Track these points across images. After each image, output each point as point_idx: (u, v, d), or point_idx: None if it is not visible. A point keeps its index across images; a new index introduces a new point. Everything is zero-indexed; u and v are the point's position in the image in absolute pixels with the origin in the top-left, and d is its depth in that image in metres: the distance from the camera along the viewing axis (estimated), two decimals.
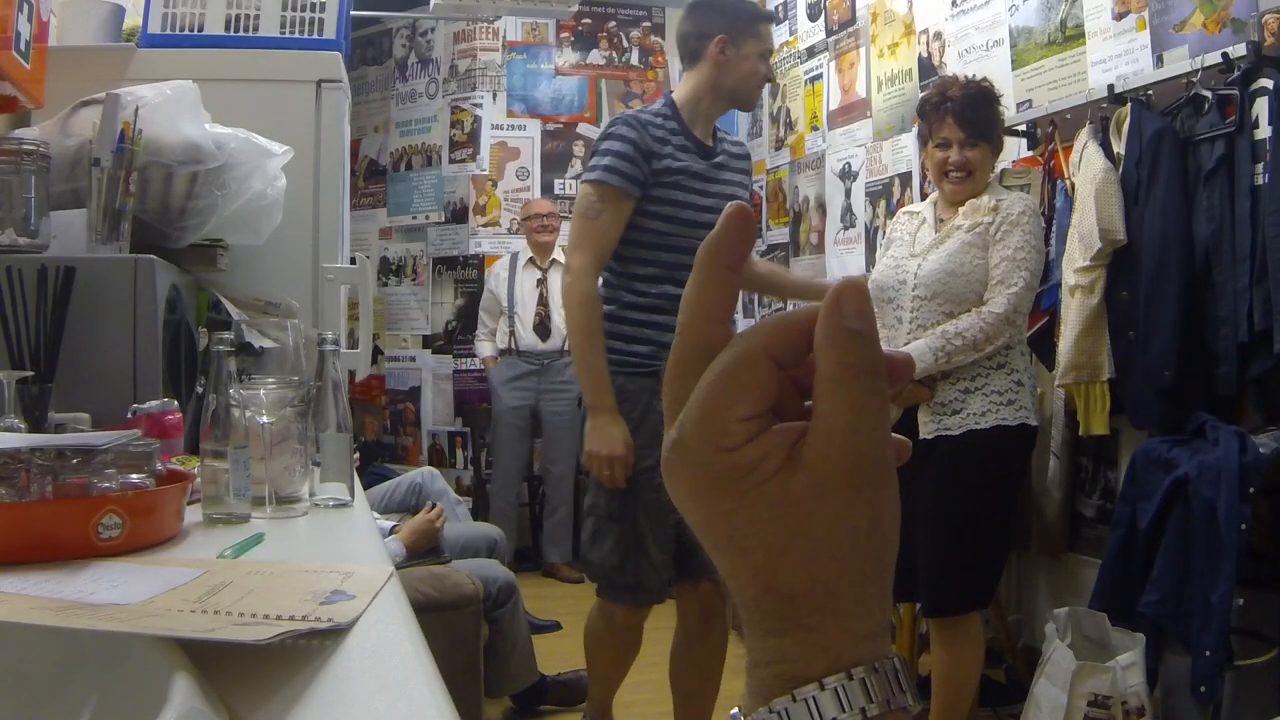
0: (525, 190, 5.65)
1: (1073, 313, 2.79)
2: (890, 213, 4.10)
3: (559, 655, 3.24)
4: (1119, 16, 3.05)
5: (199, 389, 1.64)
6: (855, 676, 0.35)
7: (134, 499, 1.03)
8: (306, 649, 0.70)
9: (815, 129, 4.88)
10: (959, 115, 2.43)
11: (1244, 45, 2.47)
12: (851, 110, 4.57)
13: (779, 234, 5.18)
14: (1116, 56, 3.05)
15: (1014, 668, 3.05)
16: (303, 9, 2.20)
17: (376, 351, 5.40)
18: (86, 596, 0.80)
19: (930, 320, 2.40)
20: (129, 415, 1.36)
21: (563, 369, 4.94)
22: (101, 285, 1.44)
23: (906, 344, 2.39)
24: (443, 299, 5.69)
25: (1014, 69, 3.50)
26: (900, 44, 4.22)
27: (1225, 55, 2.51)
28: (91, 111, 1.66)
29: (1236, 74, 2.47)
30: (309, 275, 2.14)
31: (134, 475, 1.10)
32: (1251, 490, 2.26)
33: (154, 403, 1.39)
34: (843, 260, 4.62)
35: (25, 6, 1.61)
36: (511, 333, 5.05)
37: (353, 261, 2.30)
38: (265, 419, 1.30)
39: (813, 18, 4.90)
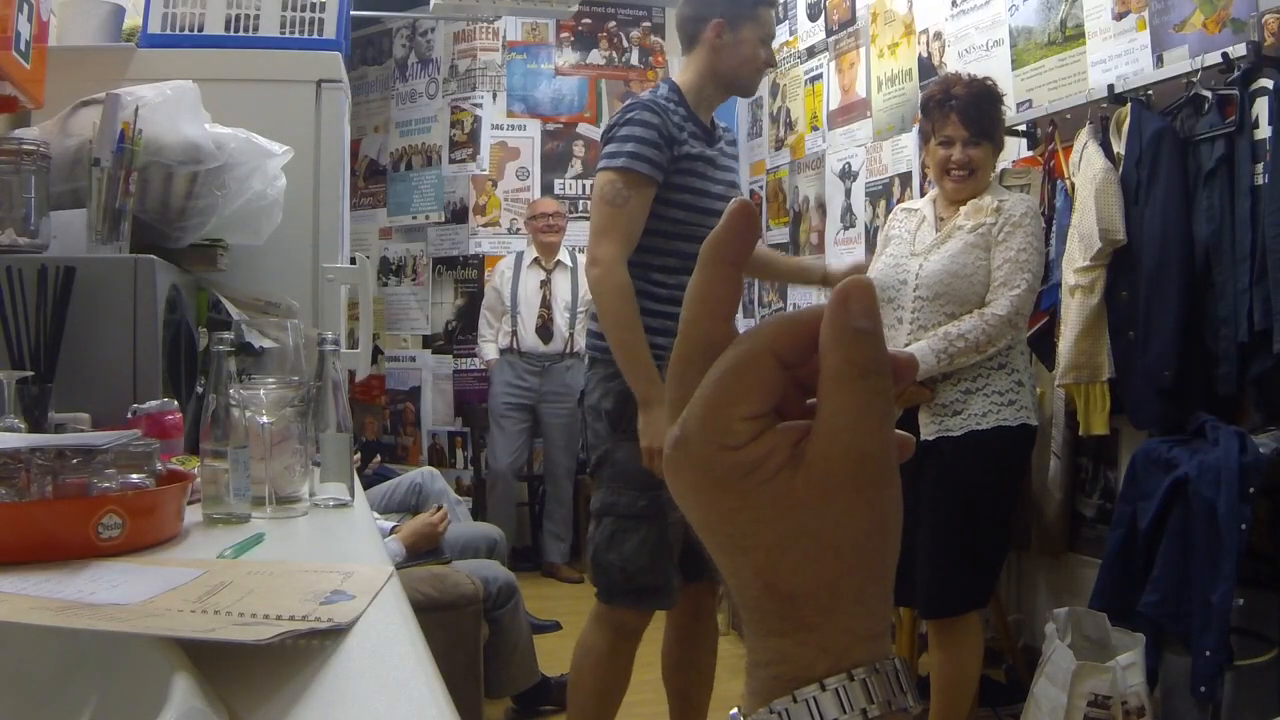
0: (525, 190, 5.65)
1: (1073, 313, 2.79)
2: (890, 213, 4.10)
3: (559, 655, 3.24)
4: (1119, 16, 3.05)
5: (199, 389, 1.64)
6: (856, 677, 0.35)
7: (134, 499, 1.03)
8: (306, 649, 0.70)
9: (815, 129, 4.87)
10: (962, 113, 2.42)
11: (1244, 45, 2.47)
12: (851, 110, 4.57)
13: (779, 234, 5.18)
14: (1116, 56, 3.05)
15: (1014, 668, 3.05)
16: (303, 9, 2.20)
17: (376, 351, 5.40)
18: (86, 596, 0.80)
19: (931, 321, 2.39)
20: (129, 415, 1.36)
21: (563, 372, 4.93)
22: (101, 285, 1.44)
23: (908, 344, 2.39)
24: (443, 299, 5.69)
25: (1014, 69, 3.50)
26: (900, 44, 4.21)
27: (1225, 55, 2.51)
28: (91, 111, 1.66)
29: (1236, 74, 2.47)
30: (309, 275, 2.14)
31: (134, 475, 1.10)
32: (1251, 490, 2.26)
33: (154, 403, 1.39)
34: (843, 260, 4.62)
35: (25, 6, 1.61)
36: (514, 333, 5.02)
37: (353, 261, 2.30)
38: (265, 419, 1.30)
39: (813, 18, 4.90)
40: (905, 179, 4.16)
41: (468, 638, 2.44)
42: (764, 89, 5.38)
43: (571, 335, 4.96)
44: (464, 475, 5.48)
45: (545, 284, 5.03)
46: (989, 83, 2.52)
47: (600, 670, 2.26)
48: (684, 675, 2.42)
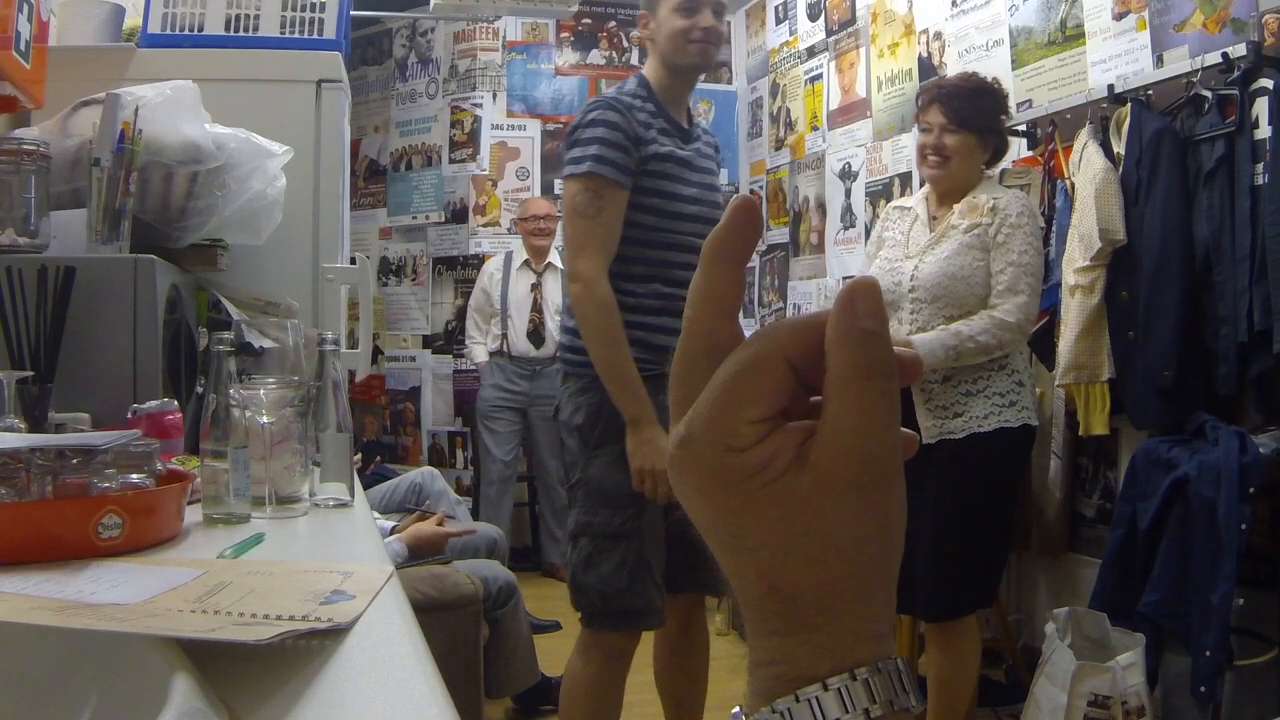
0: (525, 190, 5.65)
1: (1073, 313, 2.79)
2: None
3: (560, 655, 3.23)
4: (1119, 16, 3.05)
5: (199, 389, 1.64)
6: (858, 677, 0.35)
7: (134, 499, 1.03)
8: (306, 649, 0.70)
9: (815, 129, 4.88)
10: (944, 101, 2.41)
11: (1244, 45, 2.48)
12: (851, 110, 4.57)
13: (779, 234, 5.18)
14: (1116, 56, 3.05)
15: (1014, 668, 3.05)
16: (303, 9, 2.20)
17: (376, 351, 5.39)
18: (86, 596, 0.80)
19: (930, 324, 2.37)
20: (129, 415, 1.36)
21: (554, 376, 4.87)
22: (101, 285, 1.44)
23: (913, 333, 2.37)
24: (443, 299, 5.69)
25: (1014, 69, 3.50)
26: (900, 44, 4.22)
27: (1225, 55, 2.51)
28: (91, 111, 1.66)
29: (1236, 74, 2.47)
30: (309, 275, 2.14)
31: (134, 475, 1.10)
32: (1251, 490, 2.26)
33: (154, 403, 1.39)
34: (843, 260, 4.62)
35: (25, 6, 1.61)
36: (504, 335, 4.94)
37: (353, 261, 2.30)
38: (265, 419, 1.30)
39: (813, 18, 4.90)
40: (905, 179, 4.16)
41: (468, 638, 2.44)
42: (764, 89, 5.39)
43: None
44: (464, 475, 5.47)
45: (536, 287, 4.96)
46: (982, 78, 2.50)
47: (592, 698, 2.15)
48: (677, 683, 2.37)
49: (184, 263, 1.77)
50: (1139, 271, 2.65)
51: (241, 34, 2.17)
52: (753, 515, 0.35)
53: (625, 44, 5.84)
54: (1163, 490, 2.43)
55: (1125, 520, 2.57)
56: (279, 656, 0.68)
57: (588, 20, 5.74)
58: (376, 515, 2.30)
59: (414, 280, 5.74)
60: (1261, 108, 2.42)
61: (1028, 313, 2.34)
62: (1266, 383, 2.43)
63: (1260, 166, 2.41)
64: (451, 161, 5.67)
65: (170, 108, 1.68)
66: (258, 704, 0.61)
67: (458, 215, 5.66)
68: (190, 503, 1.19)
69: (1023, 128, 3.27)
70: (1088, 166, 2.77)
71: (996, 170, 2.74)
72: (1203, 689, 2.25)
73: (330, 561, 1.06)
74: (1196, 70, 2.61)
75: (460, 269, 5.65)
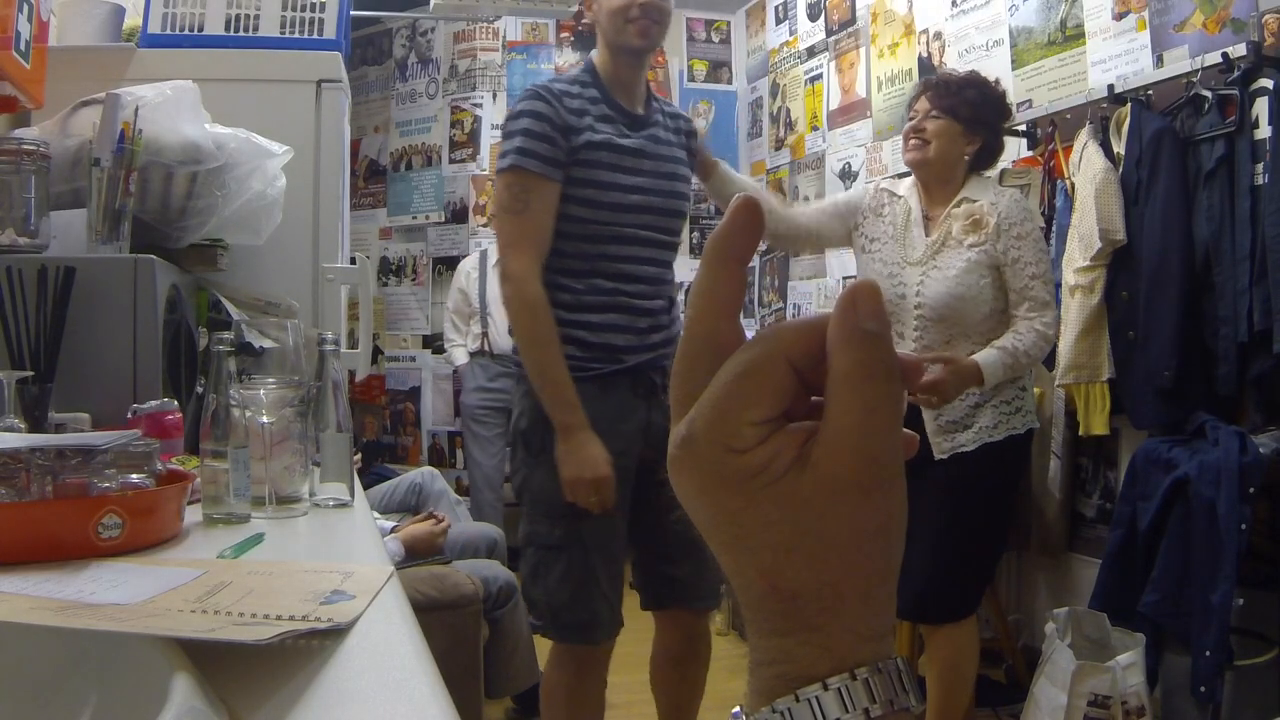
0: None
1: (1073, 313, 2.79)
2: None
3: None
4: (1119, 16, 3.05)
5: (199, 389, 1.64)
6: (859, 677, 0.35)
7: (134, 499, 1.03)
8: (306, 649, 0.70)
9: (815, 129, 4.88)
10: (932, 90, 2.41)
11: (1244, 45, 2.48)
12: (851, 110, 4.57)
13: None
14: (1116, 56, 3.05)
15: (1014, 668, 3.05)
16: (303, 9, 2.20)
17: (376, 351, 5.38)
18: (86, 596, 0.80)
19: (935, 342, 2.34)
20: (129, 415, 1.36)
21: None
22: (101, 285, 1.44)
23: (917, 350, 2.35)
24: (443, 299, 5.67)
25: (1014, 69, 3.50)
26: (900, 44, 4.22)
27: (1225, 55, 2.51)
28: (91, 111, 1.66)
29: (1236, 74, 2.47)
30: (309, 275, 2.14)
31: (134, 475, 1.10)
32: (1251, 490, 2.26)
33: (154, 403, 1.39)
34: (842, 260, 4.62)
35: (25, 6, 1.61)
36: (484, 334, 4.84)
37: (353, 261, 2.30)
38: (265, 419, 1.30)
39: (813, 18, 4.90)
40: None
41: (468, 638, 2.44)
42: (764, 89, 5.39)
43: None
44: (464, 475, 5.47)
45: None
46: (978, 75, 2.49)
47: (571, 705, 2.10)
48: (678, 690, 2.27)
49: (184, 263, 1.77)
50: (1139, 271, 2.65)
51: (241, 34, 2.17)
52: (754, 515, 0.35)
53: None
54: (1163, 490, 2.43)
55: (1125, 520, 2.57)
56: (279, 656, 0.68)
57: (587, 20, 5.74)
58: (376, 515, 2.30)
59: (414, 280, 5.74)
60: (1261, 108, 2.42)
61: (1060, 322, 2.34)
62: (1266, 383, 2.43)
63: (1260, 166, 2.41)
64: (451, 161, 5.67)
65: (170, 108, 1.69)
66: (258, 704, 0.61)
67: (458, 215, 5.65)
68: (190, 503, 1.19)
69: (1023, 128, 3.27)
70: (1088, 166, 2.77)
71: (996, 170, 2.74)
72: (1203, 689, 2.25)
73: (330, 561, 1.06)
74: (1196, 70, 2.61)
75: None
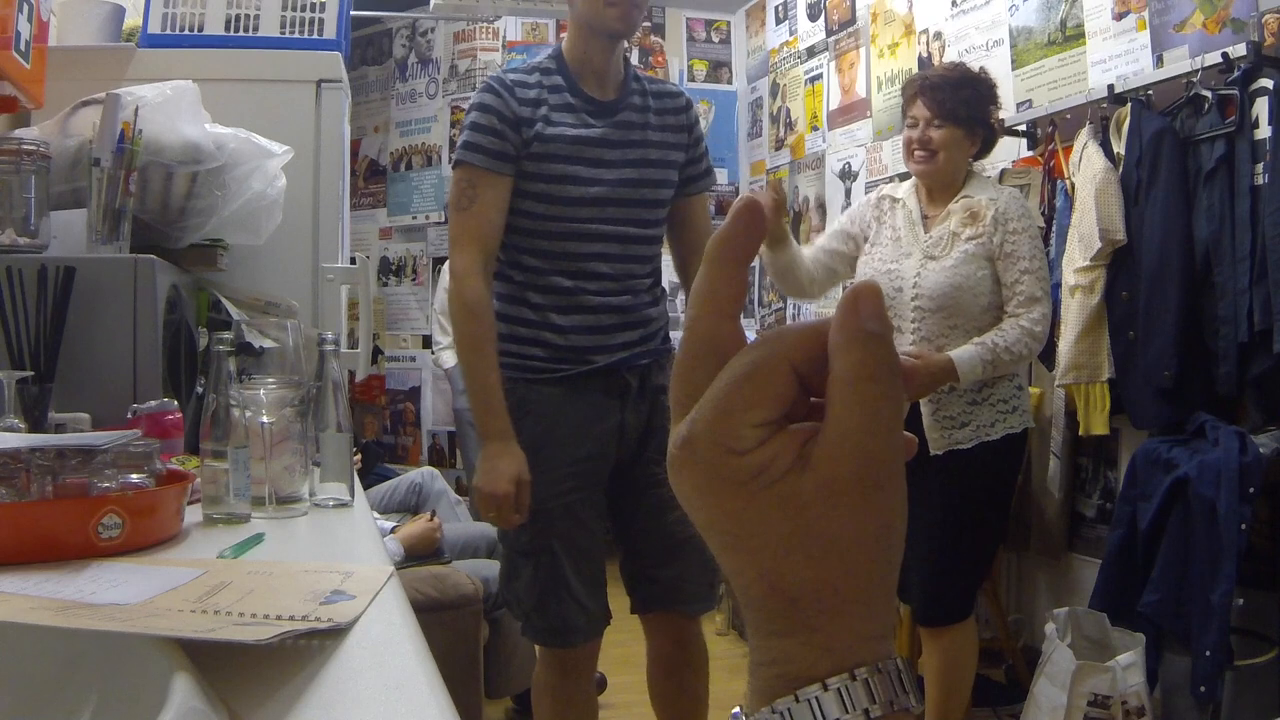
0: None
1: (1073, 313, 2.79)
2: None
3: None
4: (1119, 16, 3.05)
5: (199, 389, 1.64)
6: (859, 677, 0.35)
7: (134, 499, 1.03)
8: (306, 649, 0.70)
9: (815, 129, 4.88)
10: (929, 94, 2.38)
11: (1244, 45, 2.47)
12: (851, 110, 4.57)
13: None
14: (1116, 56, 3.05)
15: (1014, 668, 3.05)
16: (303, 9, 2.20)
17: (376, 351, 5.38)
18: (86, 596, 0.80)
19: (934, 333, 2.34)
20: (129, 415, 1.36)
21: None
22: (101, 285, 1.44)
23: (916, 343, 2.35)
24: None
25: (1014, 69, 3.50)
26: (900, 44, 4.22)
27: (1225, 55, 2.51)
28: (91, 111, 1.66)
29: (1236, 74, 2.47)
30: (309, 275, 2.14)
31: (134, 475, 1.10)
32: (1251, 490, 2.26)
33: (154, 403, 1.39)
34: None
35: (25, 6, 1.61)
36: None
37: (353, 261, 2.30)
38: (265, 419, 1.30)
39: (813, 18, 4.90)
40: (905, 179, 4.15)
41: (468, 638, 2.44)
42: (764, 89, 5.39)
43: None
44: (463, 475, 5.47)
45: None
46: (968, 69, 2.48)
47: (559, 705, 2.07)
48: (675, 703, 2.18)
49: (184, 263, 1.77)
50: (1139, 271, 2.65)
51: (241, 34, 2.17)
52: (754, 516, 0.35)
53: (625, 44, 5.84)
54: (1163, 490, 2.43)
55: (1125, 520, 2.57)
56: (279, 656, 0.68)
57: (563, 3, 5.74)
58: (376, 515, 2.30)
59: (414, 280, 5.74)
60: (1261, 108, 2.42)
61: (1049, 319, 2.33)
62: (1266, 383, 2.43)
63: (1260, 166, 2.41)
64: (451, 162, 5.67)
65: (170, 108, 1.69)
66: (258, 704, 0.61)
67: None
68: (190, 503, 1.19)
69: (1023, 128, 3.27)
70: (1088, 166, 2.77)
71: (996, 170, 2.74)
72: (1203, 689, 2.25)
73: (330, 561, 1.06)
74: (1196, 70, 2.61)
75: None
